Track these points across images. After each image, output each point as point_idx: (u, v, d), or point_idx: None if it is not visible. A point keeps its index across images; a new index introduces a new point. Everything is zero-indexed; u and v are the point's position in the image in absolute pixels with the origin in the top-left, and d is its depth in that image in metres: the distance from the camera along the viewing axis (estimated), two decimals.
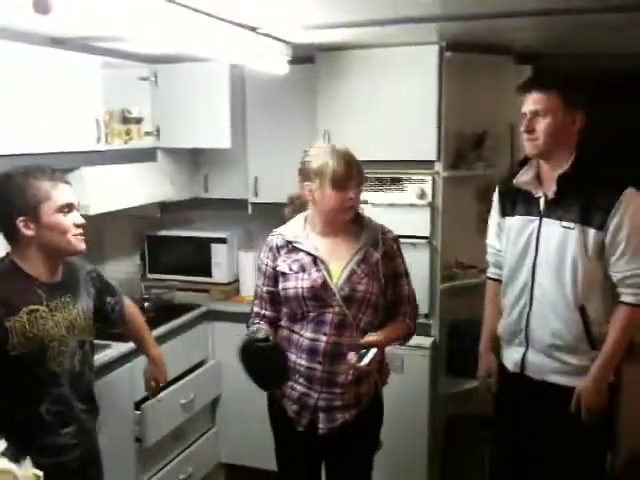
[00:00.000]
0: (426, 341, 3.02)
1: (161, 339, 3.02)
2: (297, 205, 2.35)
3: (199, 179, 3.62)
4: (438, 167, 2.96)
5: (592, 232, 2.09)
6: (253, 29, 2.38)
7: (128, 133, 3.11)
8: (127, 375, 2.72)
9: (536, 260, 2.21)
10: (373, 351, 2.05)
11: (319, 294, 2.13)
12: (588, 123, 2.16)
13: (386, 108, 2.97)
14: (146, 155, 3.23)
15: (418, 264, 3.00)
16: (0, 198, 1.87)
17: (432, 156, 2.95)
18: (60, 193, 1.89)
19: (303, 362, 2.16)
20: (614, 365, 2.16)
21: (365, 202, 2.58)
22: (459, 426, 3.27)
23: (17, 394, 1.87)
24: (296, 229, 2.24)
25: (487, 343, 2.48)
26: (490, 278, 2.49)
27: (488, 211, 3.28)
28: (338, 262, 2.16)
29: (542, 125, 2.11)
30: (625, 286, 2.10)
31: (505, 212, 2.33)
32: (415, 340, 2.96)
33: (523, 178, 2.24)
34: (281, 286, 2.19)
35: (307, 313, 2.16)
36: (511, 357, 2.33)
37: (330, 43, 2.92)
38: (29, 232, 1.85)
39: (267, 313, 2.26)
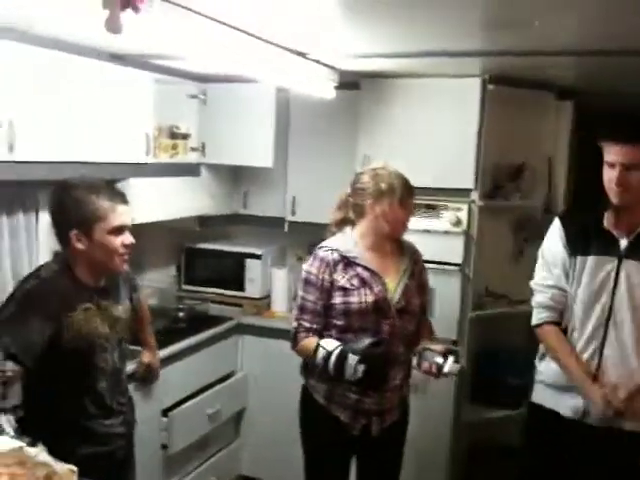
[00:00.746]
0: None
1: (192, 349, 3.11)
2: (341, 225, 2.42)
3: (239, 195, 3.72)
4: (474, 196, 3.01)
5: None
6: (303, 55, 2.47)
7: (175, 148, 3.22)
8: (157, 382, 2.77)
9: (614, 301, 2.16)
10: (452, 359, 2.23)
11: (380, 307, 2.25)
12: None
13: (426, 136, 3.03)
14: (190, 170, 3.34)
15: (449, 290, 3.04)
16: (60, 206, 1.98)
17: (469, 185, 3.00)
18: (117, 215, 1.97)
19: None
20: None
21: None
22: (480, 454, 3.27)
23: (64, 386, 1.97)
24: (347, 245, 2.32)
25: (583, 375, 2.22)
26: (549, 322, 2.28)
27: (525, 241, 3.34)
28: (391, 277, 2.31)
29: (634, 179, 2.07)
30: None
31: (577, 251, 2.22)
32: None
33: (606, 220, 2.21)
34: (339, 300, 2.26)
35: (365, 325, 2.25)
36: (568, 403, 2.23)
37: (375, 71, 3.00)
38: (79, 245, 1.95)
39: (318, 327, 2.29)
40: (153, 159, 2.97)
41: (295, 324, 2.31)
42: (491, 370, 3.28)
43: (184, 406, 3.01)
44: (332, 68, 2.78)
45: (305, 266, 2.33)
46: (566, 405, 2.24)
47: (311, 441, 2.42)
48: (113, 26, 1.49)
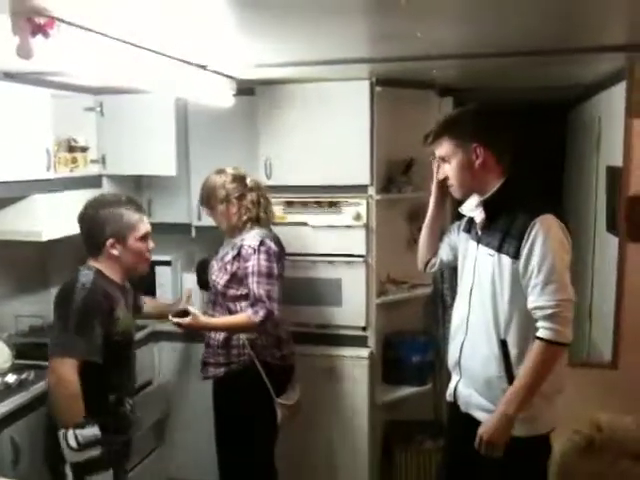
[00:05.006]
0: (364, 352, 3.24)
1: None
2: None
3: (143, 204, 3.72)
4: (371, 191, 3.20)
5: (507, 261, 2.02)
6: (203, 67, 2.57)
7: (74, 161, 3.21)
8: None
9: (472, 287, 2.17)
10: (185, 319, 2.62)
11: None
12: (503, 151, 2.15)
13: (323, 137, 3.19)
14: (92, 182, 3.32)
15: (355, 280, 3.24)
16: (97, 221, 2.33)
17: (366, 181, 3.18)
18: (143, 225, 2.40)
19: None
20: (522, 402, 1.99)
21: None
22: (396, 430, 3.51)
23: (111, 374, 2.31)
24: None
25: None
26: None
27: (418, 230, 3.59)
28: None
29: (449, 170, 2.19)
30: (540, 319, 1.97)
31: (468, 230, 2.30)
32: (354, 351, 3.21)
33: (468, 205, 2.23)
34: None
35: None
36: (450, 385, 2.30)
37: (270, 78, 3.14)
38: (114, 252, 2.34)
39: None
40: (54, 174, 2.96)
41: None
42: (397, 351, 3.51)
43: None
44: (230, 78, 2.89)
45: None
46: (449, 387, 2.30)
47: None
48: (24, 52, 1.54)
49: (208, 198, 2.87)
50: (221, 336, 2.80)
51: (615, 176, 3.11)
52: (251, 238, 2.77)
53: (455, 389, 2.23)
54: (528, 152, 5.05)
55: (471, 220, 2.26)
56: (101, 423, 2.16)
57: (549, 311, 1.95)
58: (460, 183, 2.17)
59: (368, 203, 3.20)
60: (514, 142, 2.20)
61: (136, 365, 2.56)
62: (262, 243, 2.74)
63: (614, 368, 2.90)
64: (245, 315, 2.70)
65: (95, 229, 2.33)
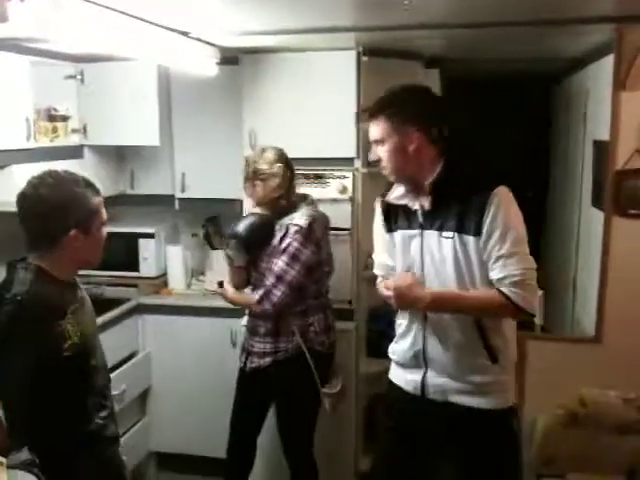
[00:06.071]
0: (350, 325, 3.24)
1: None
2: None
3: (125, 176, 3.68)
4: (357, 164, 3.17)
5: (470, 239, 1.97)
6: (185, 34, 2.50)
7: (55, 131, 3.14)
8: None
9: (423, 276, 2.07)
10: (218, 289, 2.81)
11: None
12: (440, 135, 2.04)
13: (308, 108, 3.13)
14: (73, 152, 3.26)
15: (341, 254, 3.21)
16: (58, 205, 1.77)
17: (352, 153, 3.14)
18: (103, 208, 1.89)
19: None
20: (441, 308, 2.03)
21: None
22: (379, 403, 3.53)
23: (67, 394, 1.82)
24: None
25: None
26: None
27: None
28: None
29: (383, 152, 2.06)
30: (506, 286, 1.93)
31: (390, 228, 2.19)
32: (340, 325, 3.20)
33: (396, 194, 2.14)
34: None
35: None
36: (408, 378, 2.18)
37: (255, 47, 3.07)
38: (76, 244, 1.80)
39: None
40: (34, 144, 2.89)
41: None
42: (382, 324, 3.51)
43: None
44: (213, 45, 2.82)
45: None
46: (406, 380, 2.20)
47: None
48: (0, 16, 1.48)
49: (255, 177, 2.70)
50: (270, 324, 2.70)
51: (602, 150, 3.09)
52: (299, 217, 2.66)
53: (423, 382, 2.13)
54: (513, 125, 5.11)
55: (392, 213, 2.15)
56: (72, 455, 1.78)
57: (516, 279, 1.92)
58: (394, 167, 2.06)
59: (354, 176, 3.16)
60: (454, 123, 2.10)
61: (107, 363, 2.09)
62: (310, 225, 2.64)
63: (598, 342, 2.91)
64: (255, 296, 2.68)
65: (55, 216, 1.77)
